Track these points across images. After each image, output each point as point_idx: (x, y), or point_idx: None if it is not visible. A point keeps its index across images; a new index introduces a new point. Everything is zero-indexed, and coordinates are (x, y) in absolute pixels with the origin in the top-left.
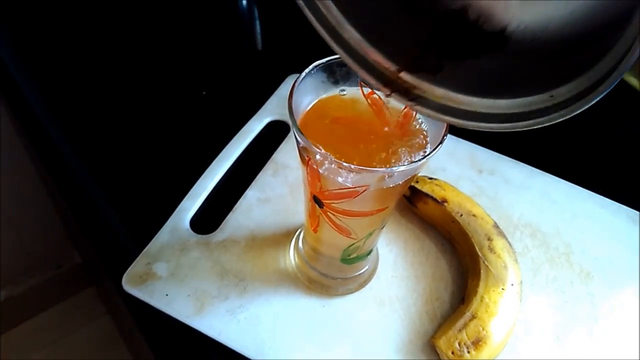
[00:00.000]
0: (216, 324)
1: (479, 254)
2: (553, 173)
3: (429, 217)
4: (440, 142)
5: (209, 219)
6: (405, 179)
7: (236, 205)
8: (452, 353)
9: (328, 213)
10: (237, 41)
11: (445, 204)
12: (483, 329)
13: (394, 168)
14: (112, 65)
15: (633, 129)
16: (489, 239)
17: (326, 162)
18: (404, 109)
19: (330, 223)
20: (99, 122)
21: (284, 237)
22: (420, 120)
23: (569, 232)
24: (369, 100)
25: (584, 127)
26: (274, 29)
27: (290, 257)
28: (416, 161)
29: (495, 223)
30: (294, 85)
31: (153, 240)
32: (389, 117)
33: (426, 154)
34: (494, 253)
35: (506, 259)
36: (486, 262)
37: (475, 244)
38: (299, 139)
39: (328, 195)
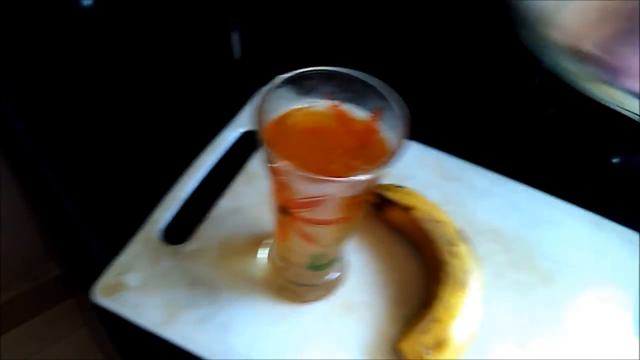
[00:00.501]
0: (186, 332)
1: (442, 259)
2: (517, 179)
3: (397, 224)
4: (398, 153)
5: (181, 229)
6: (367, 187)
7: (209, 215)
8: (414, 356)
9: (294, 222)
10: (214, 50)
11: (412, 211)
12: (444, 332)
13: (352, 178)
14: (83, 76)
15: (596, 137)
16: (453, 245)
17: (289, 171)
18: (368, 120)
19: (297, 231)
20: (72, 134)
21: (255, 245)
22: (382, 132)
23: (531, 236)
24: (334, 113)
25: (548, 134)
26: (252, 38)
27: (260, 265)
28: (373, 171)
29: (460, 229)
30: (261, 97)
31: (124, 251)
32: (354, 129)
33: (384, 164)
34: (457, 258)
35: (469, 264)
36: (449, 267)
37: (438, 250)
38: (264, 149)
39: (293, 204)
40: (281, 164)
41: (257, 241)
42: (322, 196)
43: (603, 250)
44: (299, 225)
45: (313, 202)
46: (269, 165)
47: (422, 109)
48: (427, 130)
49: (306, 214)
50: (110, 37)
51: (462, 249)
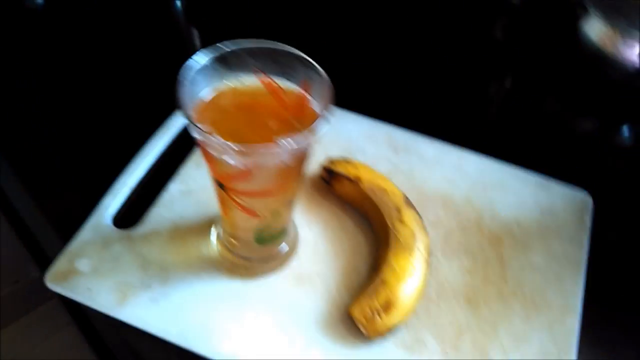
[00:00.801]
0: (139, 312)
1: (389, 225)
2: (465, 147)
3: (346, 196)
4: (320, 120)
5: (131, 213)
6: (297, 157)
7: (158, 199)
8: (365, 319)
9: (232, 195)
10: (171, 40)
11: (359, 182)
12: (392, 293)
13: (271, 145)
14: (35, 63)
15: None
16: (398, 211)
17: (213, 142)
18: (299, 92)
19: (236, 205)
20: (23, 122)
21: (206, 226)
22: (312, 103)
23: (479, 200)
24: (267, 87)
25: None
26: (209, 28)
27: (212, 244)
28: (294, 138)
29: (405, 196)
30: (183, 71)
31: (75, 237)
32: (287, 101)
33: (305, 132)
34: (402, 223)
35: (414, 228)
36: (395, 232)
37: (385, 217)
38: (187, 122)
39: (226, 177)
40: (204, 135)
41: (207, 222)
42: (251, 166)
43: (550, 210)
44: (236, 198)
45: (243, 174)
46: (197, 139)
47: (371, 83)
48: (375, 104)
49: (240, 186)
50: (58, 29)
51: (408, 214)
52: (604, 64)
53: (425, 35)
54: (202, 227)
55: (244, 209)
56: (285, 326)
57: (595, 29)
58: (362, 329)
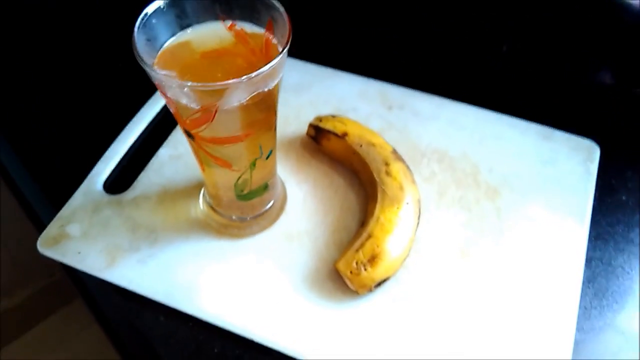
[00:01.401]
0: (127, 273)
1: (377, 178)
2: (463, 100)
3: (334, 152)
4: (278, 57)
5: (122, 179)
6: (257, 99)
7: (148, 164)
8: (351, 272)
9: (201, 144)
10: None
11: (346, 137)
12: (378, 246)
13: (222, 82)
14: (23, 34)
15: (538, 51)
16: (386, 164)
17: (167, 82)
18: (264, 34)
19: (208, 156)
20: (17, 94)
21: (195, 189)
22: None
23: (476, 154)
24: (232, 32)
25: (491, 52)
26: None
27: (200, 206)
28: (250, 75)
29: (395, 150)
30: (138, 25)
31: (67, 203)
32: (254, 45)
33: (260, 70)
34: (390, 176)
35: (402, 181)
36: (382, 185)
37: (373, 170)
38: (143, 67)
39: (190, 123)
40: (159, 76)
41: (196, 185)
42: (211, 107)
43: (552, 160)
44: (205, 147)
45: (205, 117)
46: (156, 84)
47: (364, 40)
48: (369, 61)
49: (206, 132)
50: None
51: (396, 167)
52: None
53: None
54: (191, 190)
55: (216, 159)
56: (273, 284)
57: None
58: (348, 282)
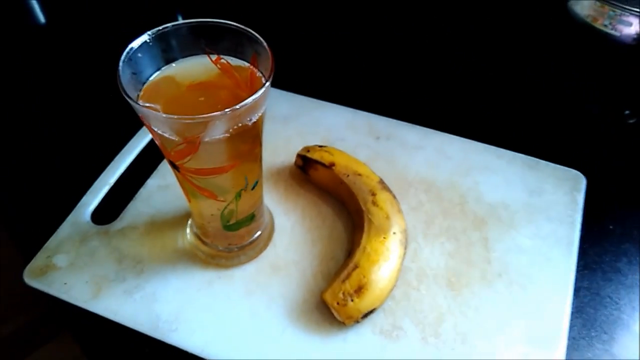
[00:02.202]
0: (112, 305)
1: (363, 208)
2: (450, 131)
3: (321, 182)
4: (261, 90)
5: (110, 210)
6: (240, 131)
7: (137, 194)
8: (337, 303)
9: (186, 176)
10: None
11: (334, 167)
12: (364, 277)
13: (210, 114)
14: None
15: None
16: (373, 194)
17: (151, 116)
18: (249, 67)
19: (193, 187)
20: (2, 121)
21: (183, 218)
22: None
23: (463, 184)
24: (218, 66)
25: (476, 84)
26: None
27: (187, 236)
28: (234, 108)
29: (381, 180)
30: (123, 60)
31: (54, 235)
32: (239, 78)
33: (243, 102)
34: (377, 206)
35: (388, 210)
36: (369, 215)
37: (360, 200)
38: (127, 101)
39: (174, 155)
40: (140, 109)
41: (184, 215)
42: (194, 140)
43: (539, 190)
44: (191, 178)
45: (189, 148)
46: (140, 117)
47: (353, 73)
48: (357, 94)
49: (191, 163)
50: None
51: (383, 196)
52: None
53: (405, 22)
54: (178, 220)
55: (201, 190)
56: (259, 315)
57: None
58: (335, 313)
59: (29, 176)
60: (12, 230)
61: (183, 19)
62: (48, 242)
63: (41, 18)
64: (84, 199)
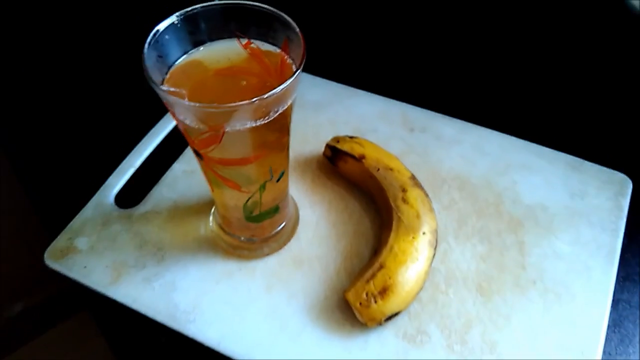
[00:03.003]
0: (131, 291)
1: (393, 205)
2: (489, 126)
3: (350, 175)
4: (291, 80)
5: (135, 193)
6: (261, 118)
7: (162, 179)
8: (360, 304)
9: (210, 165)
10: None
11: (363, 160)
12: (390, 278)
13: (236, 103)
14: (39, 46)
15: (570, 78)
16: (404, 190)
17: (174, 103)
18: (280, 53)
19: (216, 177)
20: (32, 100)
21: (207, 206)
22: (292, 63)
23: (500, 182)
24: (248, 50)
25: (521, 77)
26: None
27: (210, 224)
28: (261, 97)
29: (413, 176)
30: (150, 42)
31: (77, 216)
32: (269, 65)
33: (271, 91)
34: (407, 203)
35: (419, 208)
36: (398, 213)
37: (389, 196)
38: (151, 85)
39: (199, 143)
40: (165, 95)
41: (208, 202)
42: (219, 129)
43: (581, 193)
44: (214, 168)
45: (214, 138)
46: (165, 103)
47: (387, 61)
48: (392, 82)
49: (214, 153)
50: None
51: (414, 193)
52: None
53: (442, 8)
54: (202, 207)
55: (224, 180)
56: (279, 311)
57: None
58: (357, 314)
59: (57, 156)
60: (39, 208)
61: None
62: (71, 223)
63: None
64: (109, 180)
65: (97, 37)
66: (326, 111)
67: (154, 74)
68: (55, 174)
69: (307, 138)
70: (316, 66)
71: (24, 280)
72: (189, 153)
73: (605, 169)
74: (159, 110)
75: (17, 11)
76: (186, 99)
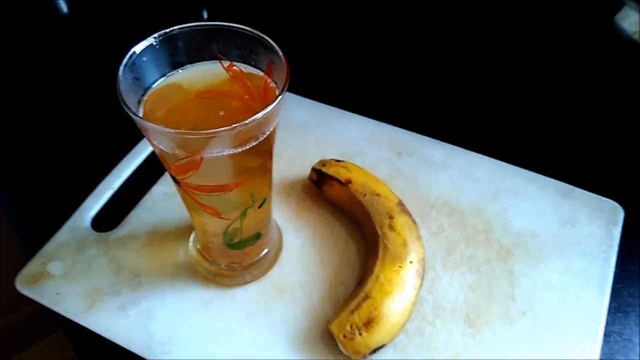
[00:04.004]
0: (105, 320)
1: (379, 232)
2: (479, 151)
3: (336, 200)
4: (273, 104)
5: (112, 217)
6: (242, 144)
7: (140, 201)
8: (344, 336)
9: (188, 191)
10: None
11: (350, 184)
12: (376, 309)
13: (215, 130)
14: (17, 65)
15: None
16: (390, 217)
17: (149, 129)
18: (263, 76)
19: (195, 203)
20: (5, 124)
21: (186, 231)
22: (274, 86)
23: (489, 209)
24: (230, 73)
25: (511, 102)
26: None
27: (190, 251)
28: (242, 123)
29: (401, 202)
30: (125, 64)
31: (51, 240)
32: (252, 88)
33: (253, 116)
34: (394, 231)
35: (406, 236)
36: (385, 240)
37: (376, 223)
38: (126, 111)
39: (175, 170)
40: (139, 121)
41: (189, 227)
42: (193, 155)
43: (572, 221)
44: (192, 194)
45: (191, 164)
46: (139, 128)
47: (375, 83)
48: (379, 105)
49: (193, 179)
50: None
51: (401, 221)
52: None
53: (432, 31)
54: (182, 232)
55: (203, 207)
56: (259, 341)
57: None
58: (340, 346)
59: (33, 177)
60: (17, 231)
61: (208, 16)
62: (44, 247)
63: (64, 8)
64: (85, 203)
65: (75, 57)
66: (312, 133)
67: (129, 97)
68: (31, 195)
69: (293, 161)
70: (303, 86)
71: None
72: (168, 175)
73: (596, 196)
74: (139, 131)
75: None
76: (163, 126)
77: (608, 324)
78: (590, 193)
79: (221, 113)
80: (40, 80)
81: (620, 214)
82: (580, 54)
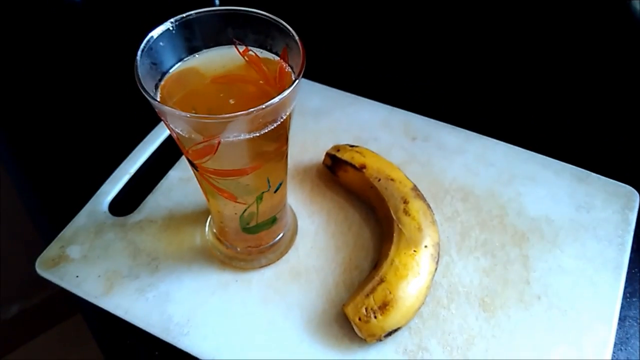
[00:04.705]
0: (123, 303)
1: (394, 217)
2: (493, 136)
3: (350, 185)
4: (289, 90)
5: (129, 201)
6: (258, 129)
7: (157, 186)
8: (359, 319)
9: (205, 175)
10: None
11: (364, 170)
12: (390, 293)
13: (232, 114)
14: (36, 52)
15: (577, 87)
16: (405, 202)
17: (164, 111)
18: (279, 61)
19: (211, 187)
20: (24, 105)
21: (203, 214)
22: (290, 72)
23: (504, 194)
24: (245, 58)
25: (526, 87)
26: None
27: (206, 234)
28: (258, 108)
29: (415, 186)
30: (143, 47)
31: (69, 224)
32: (268, 73)
33: (269, 101)
34: (409, 215)
35: (421, 221)
36: (400, 225)
37: (390, 208)
38: (145, 95)
39: (194, 153)
40: (157, 106)
41: (204, 211)
42: (210, 138)
43: (587, 206)
44: (209, 178)
45: (208, 149)
46: (157, 112)
47: (389, 68)
48: (394, 90)
49: (210, 163)
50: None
51: (416, 205)
52: None
53: (448, 17)
54: (198, 216)
55: (221, 191)
56: (275, 324)
57: None
58: (356, 329)
59: (51, 163)
60: (33, 214)
61: (220, 2)
62: (63, 231)
63: None
64: (103, 187)
65: (92, 43)
66: (326, 119)
67: (147, 82)
68: (50, 180)
69: (307, 146)
70: (317, 72)
71: (19, 283)
72: (185, 160)
73: (612, 181)
74: (156, 116)
75: (8, 20)
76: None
77: (623, 308)
78: (605, 178)
79: (236, 99)
80: (58, 67)
81: (636, 198)
82: (597, 38)
